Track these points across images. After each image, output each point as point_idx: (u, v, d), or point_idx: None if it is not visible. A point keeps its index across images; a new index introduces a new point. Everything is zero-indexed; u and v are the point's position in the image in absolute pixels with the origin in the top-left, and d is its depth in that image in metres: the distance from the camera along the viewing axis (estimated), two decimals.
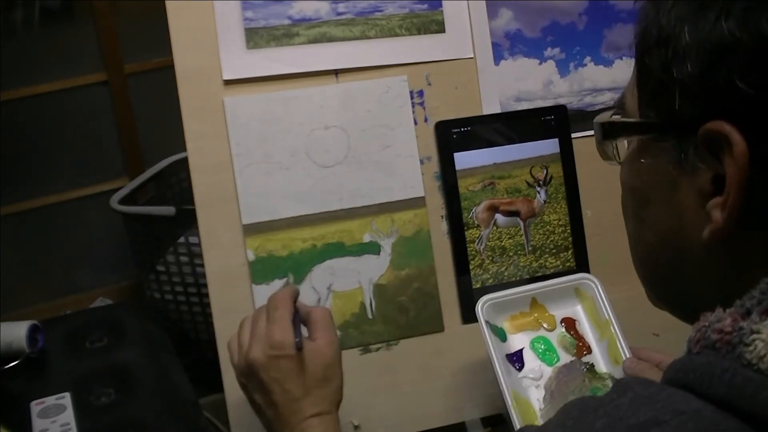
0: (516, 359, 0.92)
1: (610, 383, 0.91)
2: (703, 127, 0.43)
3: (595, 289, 0.95)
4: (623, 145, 0.53)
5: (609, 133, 0.52)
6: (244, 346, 0.83)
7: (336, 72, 1.00)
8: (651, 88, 0.48)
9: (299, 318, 0.85)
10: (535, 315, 0.95)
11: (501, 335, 0.93)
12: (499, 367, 0.88)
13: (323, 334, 0.84)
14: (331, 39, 0.99)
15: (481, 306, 0.92)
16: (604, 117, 0.53)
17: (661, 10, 0.46)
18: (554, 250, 1.05)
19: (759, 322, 0.41)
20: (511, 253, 1.04)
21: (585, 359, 0.93)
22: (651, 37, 0.47)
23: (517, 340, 0.94)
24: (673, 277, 0.51)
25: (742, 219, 0.43)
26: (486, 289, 1.02)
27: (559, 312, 0.96)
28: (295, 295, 0.87)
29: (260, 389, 0.82)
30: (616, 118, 0.52)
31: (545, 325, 0.95)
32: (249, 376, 0.82)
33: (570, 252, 1.05)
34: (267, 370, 0.81)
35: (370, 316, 1.00)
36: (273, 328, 0.82)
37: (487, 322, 0.91)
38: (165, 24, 0.95)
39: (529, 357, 0.93)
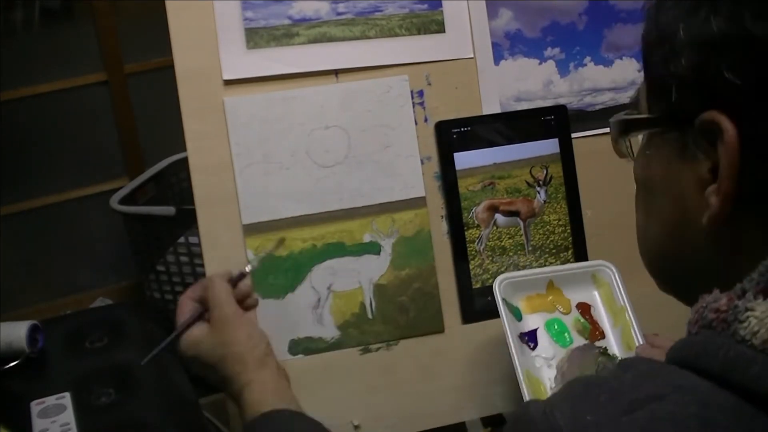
0: (529, 338, 0.93)
1: None
2: (699, 118, 0.46)
3: (613, 276, 0.96)
4: (637, 142, 0.56)
5: (621, 130, 0.55)
6: None
7: (336, 72, 1.00)
8: (654, 83, 0.50)
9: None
10: (551, 297, 0.96)
11: (516, 314, 0.94)
12: (513, 344, 0.89)
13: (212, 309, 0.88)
14: (331, 39, 0.99)
15: (499, 284, 0.93)
16: (619, 116, 0.56)
17: (661, 10, 0.49)
18: (554, 250, 1.05)
19: (753, 301, 0.43)
20: (511, 253, 1.04)
21: (598, 344, 0.94)
22: (652, 36, 0.50)
23: (532, 321, 0.95)
24: (677, 266, 0.54)
25: (739, 204, 0.46)
26: (486, 289, 1.02)
27: (575, 296, 0.97)
28: (217, 278, 0.90)
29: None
30: (629, 116, 0.55)
31: (560, 308, 0.96)
32: None
33: (570, 252, 1.05)
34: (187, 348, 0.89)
35: (370, 316, 1.00)
36: None
37: (503, 299, 0.92)
38: (165, 24, 0.95)
39: (542, 337, 0.94)
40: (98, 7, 2.24)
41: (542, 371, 0.91)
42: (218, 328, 0.86)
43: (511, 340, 0.89)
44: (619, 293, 0.95)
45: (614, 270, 0.96)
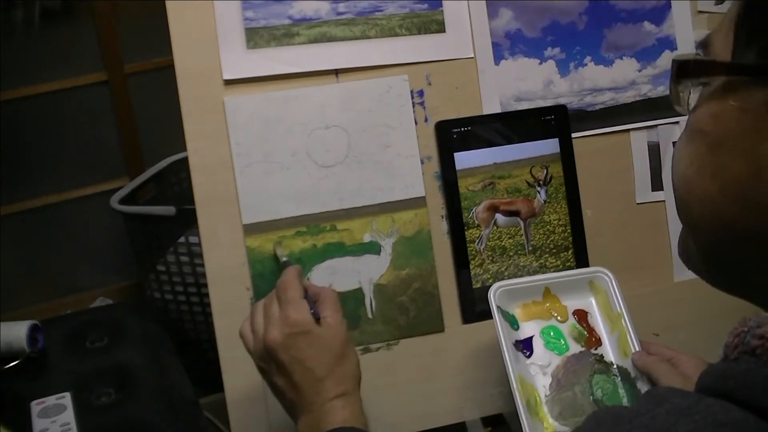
0: (525, 346, 0.93)
1: (616, 372, 0.92)
2: None
3: (609, 283, 0.96)
4: (693, 92, 0.49)
5: (692, 70, 0.46)
6: (260, 331, 0.82)
7: (336, 72, 1.00)
8: (760, 25, 0.42)
9: (310, 297, 0.85)
10: (548, 305, 0.96)
11: (512, 322, 0.94)
12: (508, 352, 0.89)
13: (332, 312, 0.83)
14: (331, 39, 0.99)
15: (494, 292, 0.93)
16: (686, 55, 0.48)
17: None
18: (554, 250, 1.05)
19: None
20: (511, 253, 1.04)
21: (595, 351, 0.94)
22: None
23: (528, 328, 0.94)
24: (734, 238, 0.45)
25: None
26: (486, 289, 1.02)
27: (572, 303, 0.97)
28: (300, 273, 0.87)
29: (280, 371, 0.81)
30: (708, 58, 0.46)
31: (557, 316, 0.95)
32: (268, 359, 0.81)
33: (570, 252, 1.05)
34: (287, 349, 0.80)
35: (370, 316, 1.00)
36: (287, 307, 0.81)
37: (498, 307, 0.92)
38: (165, 24, 0.95)
39: (538, 345, 0.93)
40: (98, 7, 2.23)
41: (537, 378, 0.91)
42: (335, 338, 0.82)
43: (505, 347, 0.89)
44: (615, 300, 0.94)
45: (611, 276, 0.96)
